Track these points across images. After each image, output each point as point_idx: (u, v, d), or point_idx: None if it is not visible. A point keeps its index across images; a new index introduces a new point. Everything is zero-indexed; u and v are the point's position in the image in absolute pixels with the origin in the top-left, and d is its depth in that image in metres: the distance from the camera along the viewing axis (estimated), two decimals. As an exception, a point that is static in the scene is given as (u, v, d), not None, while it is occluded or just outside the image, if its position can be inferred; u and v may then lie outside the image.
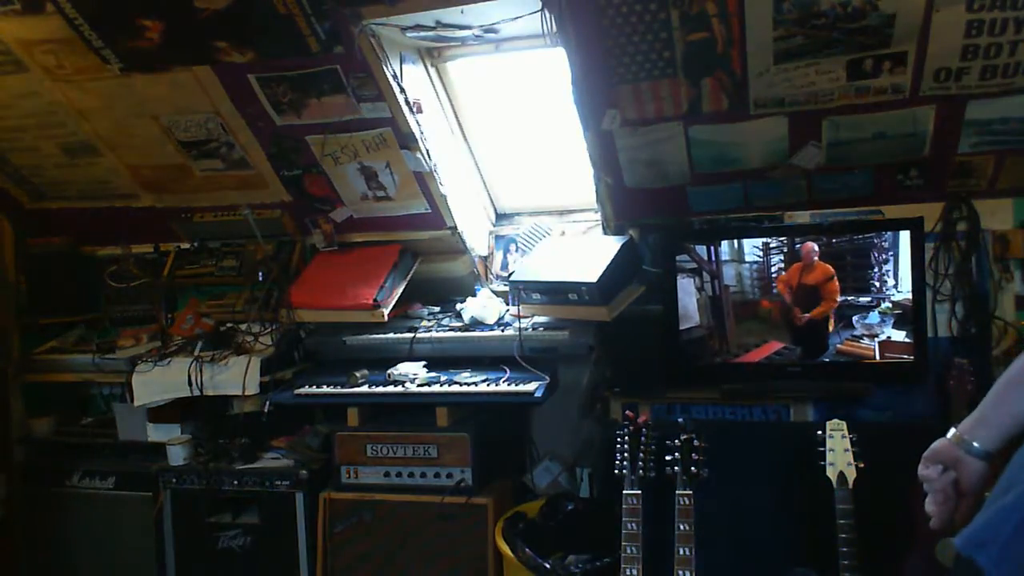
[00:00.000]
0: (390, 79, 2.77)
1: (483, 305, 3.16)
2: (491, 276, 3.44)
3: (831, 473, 2.37)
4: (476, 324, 3.13)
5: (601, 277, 2.75)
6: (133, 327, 3.64)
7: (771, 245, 2.77)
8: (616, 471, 2.53)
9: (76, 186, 3.58)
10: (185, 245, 3.66)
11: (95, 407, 3.87)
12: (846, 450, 2.38)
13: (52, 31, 2.83)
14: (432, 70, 3.12)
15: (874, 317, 2.71)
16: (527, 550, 2.63)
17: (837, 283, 2.71)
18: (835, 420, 2.44)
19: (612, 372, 3.00)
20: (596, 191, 3.00)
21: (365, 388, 3.02)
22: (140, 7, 2.70)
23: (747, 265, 2.80)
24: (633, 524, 2.43)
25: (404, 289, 3.27)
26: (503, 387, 2.86)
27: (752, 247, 2.79)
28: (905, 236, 2.65)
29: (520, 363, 2.96)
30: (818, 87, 2.48)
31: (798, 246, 2.75)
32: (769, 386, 2.80)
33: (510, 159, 3.43)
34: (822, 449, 2.40)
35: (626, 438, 2.55)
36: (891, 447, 2.56)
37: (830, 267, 2.72)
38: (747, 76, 2.48)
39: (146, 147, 3.29)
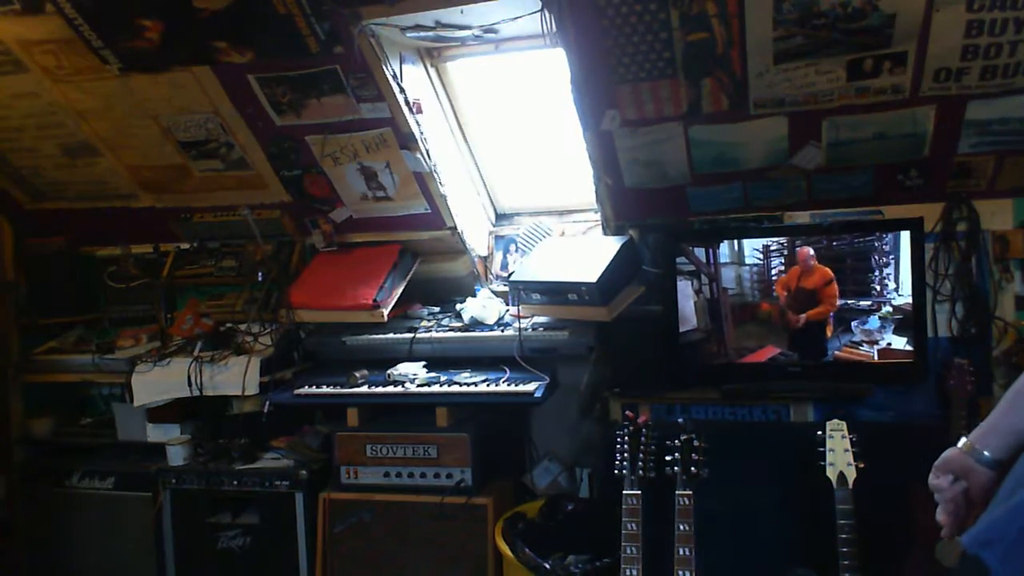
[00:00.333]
0: (390, 79, 2.77)
1: (483, 305, 3.16)
2: (491, 276, 3.44)
3: (831, 473, 2.37)
4: (476, 324, 3.13)
5: (601, 277, 2.75)
6: (133, 327, 3.64)
7: (771, 247, 2.76)
8: (616, 471, 2.53)
9: (75, 186, 3.58)
10: (185, 245, 3.66)
11: (95, 407, 3.88)
12: (846, 450, 2.38)
13: (52, 31, 2.82)
14: (432, 70, 3.12)
15: (874, 322, 2.69)
16: (527, 550, 2.63)
17: (836, 287, 2.71)
18: (835, 420, 2.44)
19: (612, 372, 3.00)
20: (596, 191, 3.00)
21: (365, 388, 3.02)
22: (140, 7, 2.70)
23: (747, 268, 2.79)
24: (633, 524, 2.43)
25: (404, 289, 3.26)
26: (503, 387, 2.86)
27: (752, 249, 2.78)
28: (906, 238, 2.64)
29: (520, 363, 2.96)
30: (818, 87, 2.48)
31: (797, 249, 2.75)
32: (769, 386, 2.79)
33: (510, 159, 3.43)
34: (822, 449, 2.40)
35: (626, 438, 2.54)
36: (891, 447, 2.58)
37: (829, 271, 2.71)
38: (747, 76, 2.48)
39: (145, 147, 3.29)
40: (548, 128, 3.24)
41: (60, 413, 3.72)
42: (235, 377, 3.12)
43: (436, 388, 2.94)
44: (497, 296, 3.29)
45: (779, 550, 2.68)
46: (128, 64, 2.92)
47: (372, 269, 3.23)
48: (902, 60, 2.37)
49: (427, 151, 3.00)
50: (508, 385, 2.87)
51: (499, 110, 3.29)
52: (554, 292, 2.91)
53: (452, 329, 3.16)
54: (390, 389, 2.98)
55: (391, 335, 3.16)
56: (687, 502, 2.40)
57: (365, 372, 3.08)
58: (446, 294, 3.43)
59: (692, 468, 2.44)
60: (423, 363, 3.08)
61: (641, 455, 2.51)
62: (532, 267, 3.05)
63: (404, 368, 3.03)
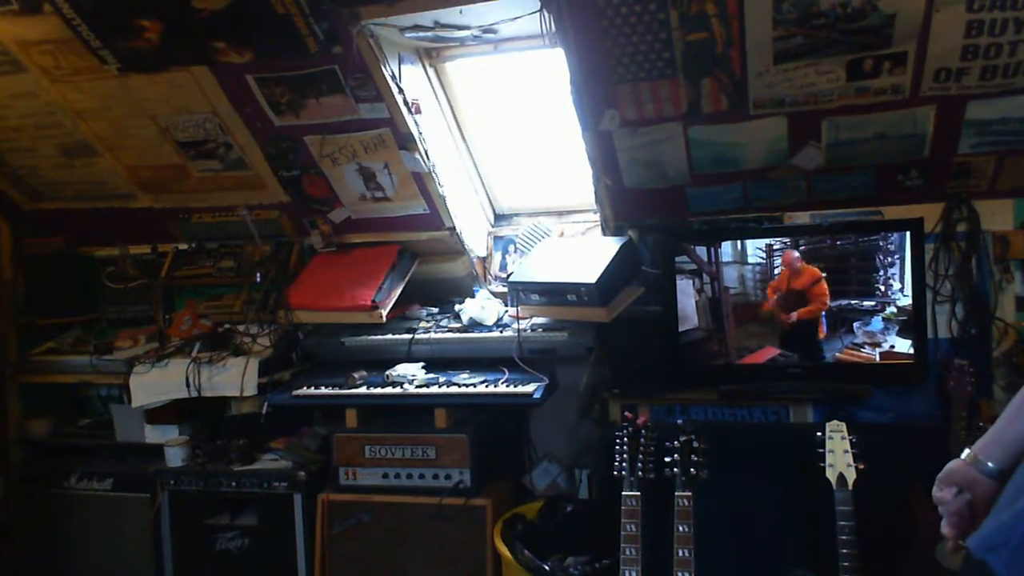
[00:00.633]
0: (388, 79, 2.77)
1: (482, 306, 3.15)
2: (490, 277, 3.43)
3: (831, 474, 2.36)
4: (475, 325, 3.13)
5: (600, 278, 2.74)
6: (131, 328, 3.64)
7: (774, 247, 2.76)
8: (615, 472, 2.52)
9: (74, 187, 3.57)
10: (183, 246, 3.65)
11: (93, 408, 3.87)
12: (846, 451, 2.38)
13: (50, 31, 2.82)
14: (431, 70, 3.11)
15: (877, 323, 2.67)
16: (526, 552, 2.63)
17: (825, 285, 2.70)
18: (835, 421, 2.44)
19: (611, 373, 2.99)
20: (595, 192, 3.00)
21: (363, 389, 3.01)
22: (138, 7, 2.69)
23: (749, 267, 2.79)
24: (632, 525, 2.42)
25: (402, 290, 3.26)
26: (502, 388, 2.86)
27: (755, 248, 2.77)
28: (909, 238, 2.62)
29: (519, 364, 2.95)
30: (818, 87, 2.47)
31: (782, 253, 2.74)
32: (769, 388, 2.79)
33: (509, 159, 3.42)
34: (822, 450, 2.40)
35: (625, 439, 2.54)
36: (891, 448, 2.57)
37: (817, 270, 2.71)
38: (747, 76, 2.47)
39: (144, 148, 3.29)
40: (548, 128, 3.24)
41: (58, 414, 3.72)
42: (233, 378, 3.11)
43: (435, 389, 2.94)
44: (496, 297, 3.29)
45: (779, 551, 2.68)
46: (126, 64, 2.91)
47: (371, 270, 3.22)
48: (902, 60, 2.37)
49: (426, 151, 2.99)
50: (507, 386, 2.86)
51: (498, 110, 3.28)
52: (553, 293, 2.91)
53: (451, 330, 3.16)
54: (389, 390, 2.97)
55: (390, 336, 3.16)
56: (686, 503, 2.40)
57: (364, 373, 3.08)
58: (445, 295, 3.43)
59: (691, 469, 2.43)
60: (422, 364, 3.07)
61: (640, 456, 2.51)
62: (531, 268, 3.05)
63: (403, 369, 3.03)
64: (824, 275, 2.70)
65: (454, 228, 3.22)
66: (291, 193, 3.32)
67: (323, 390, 3.06)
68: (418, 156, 2.98)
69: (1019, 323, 2.73)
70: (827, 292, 2.70)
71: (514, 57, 3.02)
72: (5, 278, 3.70)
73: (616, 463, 2.53)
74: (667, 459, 2.48)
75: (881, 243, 2.67)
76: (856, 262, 2.71)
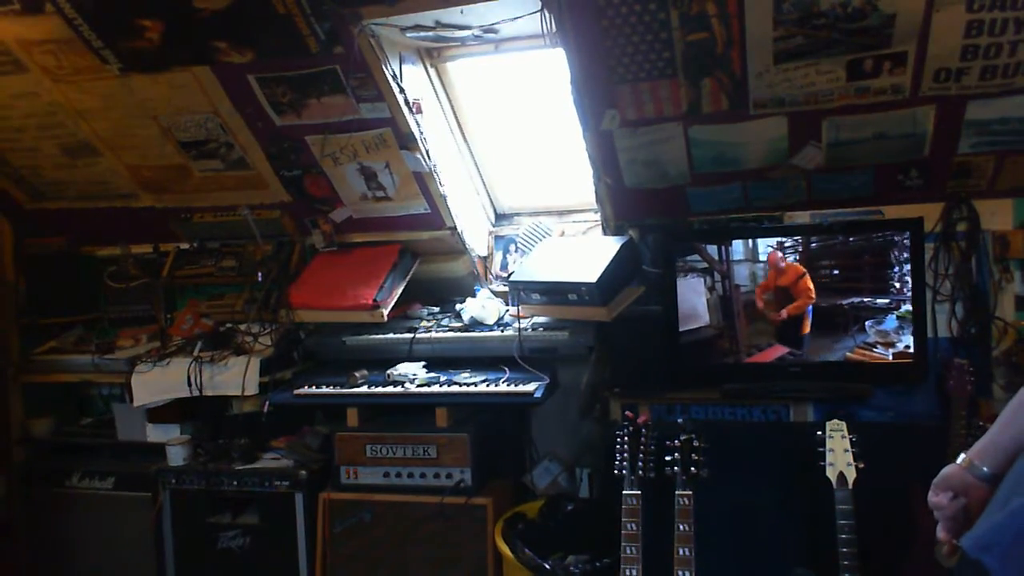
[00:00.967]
0: (390, 79, 2.77)
1: (483, 305, 3.16)
2: (491, 276, 3.44)
3: (831, 473, 2.37)
4: (476, 324, 3.13)
5: (601, 277, 2.75)
6: (132, 327, 3.65)
7: (786, 244, 2.75)
8: (615, 471, 2.53)
9: (75, 186, 3.58)
10: (184, 245, 3.66)
11: (94, 407, 3.88)
12: (846, 450, 2.38)
13: (51, 31, 2.82)
14: (432, 70, 3.12)
15: (891, 322, 2.65)
16: (526, 550, 2.63)
17: (808, 281, 2.71)
18: (835, 420, 2.44)
19: (612, 372, 3.00)
20: (596, 191, 3.00)
21: (365, 388, 3.02)
22: (140, 7, 2.70)
23: (760, 264, 2.79)
24: (632, 524, 2.43)
25: (404, 289, 3.26)
26: (502, 387, 2.86)
27: (766, 246, 2.77)
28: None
29: (520, 363, 2.96)
30: (818, 87, 2.48)
31: (767, 255, 2.75)
32: (769, 387, 2.79)
33: (510, 159, 3.43)
34: (822, 449, 2.40)
35: (625, 438, 2.54)
36: (891, 447, 2.58)
37: (800, 267, 2.72)
38: (747, 76, 2.47)
39: (145, 147, 3.29)
40: (548, 128, 3.24)
41: (60, 413, 3.72)
42: (235, 377, 3.12)
43: (436, 388, 2.94)
44: (497, 296, 3.29)
45: (779, 550, 2.68)
46: (128, 64, 2.92)
47: (372, 269, 3.23)
48: (902, 60, 2.37)
49: (427, 151, 3.00)
50: (508, 385, 2.87)
51: (499, 110, 3.29)
52: (554, 292, 2.91)
53: (452, 329, 3.16)
54: (390, 389, 2.98)
55: (391, 335, 3.16)
56: (687, 502, 2.40)
57: (365, 372, 3.08)
58: (446, 294, 3.43)
59: (692, 468, 2.44)
60: (423, 363, 3.08)
61: (641, 455, 2.51)
62: (532, 267, 3.05)
63: (404, 368, 3.03)
64: (806, 271, 2.71)
65: (455, 228, 3.23)
66: (292, 193, 3.33)
67: (324, 389, 3.06)
68: (419, 156, 2.99)
69: (1019, 322, 2.73)
70: (811, 287, 2.70)
71: (515, 57, 3.02)
72: (7, 278, 3.70)
73: (617, 462, 2.53)
74: (667, 458, 2.48)
75: (896, 238, 2.64)
76: (869, 259, 2.68)
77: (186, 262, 3.62)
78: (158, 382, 3.22)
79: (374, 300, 3.10)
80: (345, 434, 3.02)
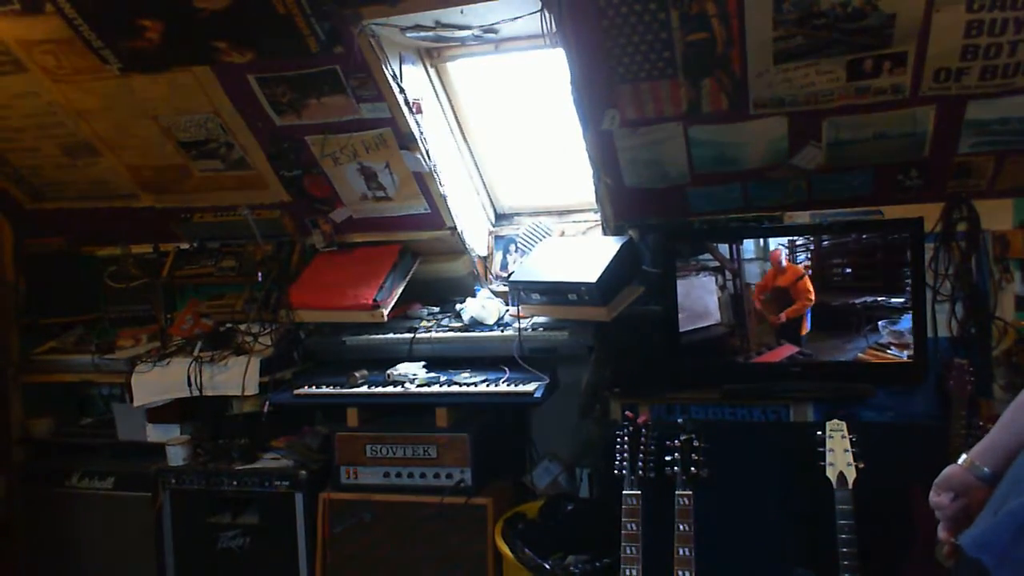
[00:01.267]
0: (390, 79, 2.77)
1: (483, 305, 3.15)
2: (491, 276, 3.44)
3: (831, 473, 2.37)
4: (476, 324, 3.13)
5: (601, 277, 2.75)
6: (132, 327, 3.64)
7: (797, 242, 2.74)
8: (616, 471, 2.53)
9: (76, 186, 3.58)
10: (185, 245, 3.66)
11: (94, 407, 3.88)
12: (846, 450, 2.38)
13: (51, 31, 2.82)
14: (432, 70, 3.12)
15: (906, 322, 2.64)
16: (526, 550, 2.63)
17: (808, 282, 2.70)
18: (835, 420, 2.44)
19: (612, 372, 3.00)
20: (596, 191, 3.00)
21: (365, 388, 3.02)
22: (139, 7, 2.70)
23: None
24: (632, 524, 2.43)
25: (404, 289, 3.26)
26: (502, 387, 2.86)
27: (778, 244, 2.76)
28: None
29: (520, 363, 2.96)
30: (818, 87, 2.48)
31: (771, 251, 2.75)
32: (770, 387, 2.79)
33: (510, 159, 3.43)
34: (822, 449, 2.41)
35: (625, 438, 2.55)
36: (891, 447, 2.58)
37: (800, 268, 2.72)
38: (747, 76, 2.47)
39: (145, 147, 3.29)
40: (548, 128, 3.24)
41: (60, 413, 3.72)
42: (235, 377, 3.12)
43: (436, 388, 2.94)
44: (497, 296, 3.29)
45: (779, 550, 2.68)
46: (128, 64, 2.92)
47: (372, 269, 3.23)
48: (902, 60, 2.37)
49: (427, 151, 3.00)
50: (508, 385, 2.87)
51: (499, 110, 3.29)
52: (554, 292, 2.91)
53: (452, 329, 3.16)
54: (390, 389, 2.98)
55: (391, 335, 3.16)
56: (687, 502, 2.40)
57: (365, 372, 3.08)
58: (446, 294, 3.43)
59: (692, 468, 2.44)
60: (423, 363, 3.08)
61: (641, 455, 2.52)
62: (532, 267, 3.05)
63: (404, 368, 3.03)
64: (808, 272, 2.71)
65: (455, 227, 3.23)
66: (293, 193, 3.33)
67: (324, 389, 3.06)
68: (419, 156, 2.99)
69: (1019, 322, 2.73)
70: (810, 289, 2.70)
71: (515, 57, 3.02)
72: (7, 278, 3.71)
73: (617, 462, 2.54)
74: (667, 458, 2.48)
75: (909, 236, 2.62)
76: (883, 256, 2.66)
77: (186, 262, 3.62)
78: (158, 382, 3.22)
79: (374, 300, 3.10)
80: (345, 434, 3.02)
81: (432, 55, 3.07)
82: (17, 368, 3.63)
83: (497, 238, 3.48)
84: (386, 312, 3.16)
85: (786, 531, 2.68)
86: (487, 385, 2.90)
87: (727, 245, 2.81)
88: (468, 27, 2.75)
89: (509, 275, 3.24)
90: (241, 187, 3.36)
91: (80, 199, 3.64)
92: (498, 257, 3.45)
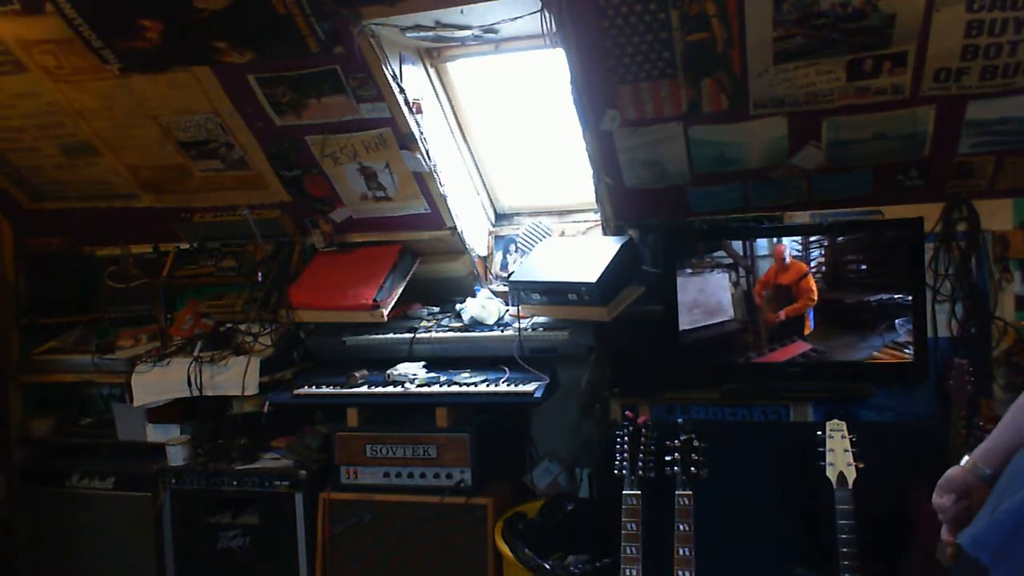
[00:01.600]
0: (390, 79, 2.77)
1: (483, 305, 3.16)
2: (491, 276, 3.44)
3: (831, 473, 2.37)
4: (476, 324, 3.13)
5: (601, 277, 2.75)
6: (132, 327, 3.64)
7: (811, 240, 2.74)
8: (616, 471, 2.53)
9: (75, 186, 3.58)
10: (184, 245, 3.66)
11: (94, 407, 3.88)
12: (846, 450, 2.38)
13: (51, 31, 2.82)
14: (432, 70, 3.12)
15: None
16: (526, 550, 2.63)
17: (811, 281, 2.70)
18: (835, 420, 2.44)
19: (612, 372, 3.00)
20: (596, 191, 3.00)
21: (365, 388, 3.02)
22: (139, 7, 2.70)
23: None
24: (632, 524, 2.43)
25: (404, 289, 3.26)
26: (502, 387, 2.86)
27: (791, 242, 2.76)
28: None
29: (520, 363, 2.96)
30: (818, 87, 2.48)
31: (775, 246, 2.74)
32: (770, 387, 2.79)
33: (510, 159, 3.43)
34: (822, 449, 2.40)
35: (625, 438, 2.54)
36: (891, 447, 2.58)
37: (804, 266, 2.72)
38: (747, 76, 2.48)
39: (145, 147, 3.29)
40: (548, 128, 3.24)
41: (60, 413, 3.72)
42: (235, 377, 3.12)
43: (436, 388, 2.94)
44: (497, 296, 3.29)
45: (779, 550, 2.68)
46: (128, 64, 2.92)
47: (372, 269, 3.23)
48: (902, 60, 2.37)
49: (427, 151, 3.00)
50: (508, 385, 2.87)
51: (499, 110, 3.29)
52: (554, 292, 2.91)
53: (452, 329, 3.16)
54: (390, 389, 2.98)
55: (391, 335, 3.16)
56: (687, 502, 2.40)
57: (365, 372, 3.08)
58: (446, 294, 3.43)
59: (692, 468, 2.44)
60: (423, 363, 3.08)
61: (641, 455, 2.51)
62: (532, 267, 3.05)
63: (404, 368, 3.03)
64: (811, 270, 2.70)
65: (455, 227, 3.23)
66: (292, 193, 3.33)
67: (324, 389, 3.06)
68: (419, 156, 2.99)
69: (1019, 322, 2.73)
70: (814, 288, 2.70)
71: (515, 57, 3.02)
72: (7, 278, 3.71)
73: (617, 462, 2.53)
74: (667, 458, 2.48)
75: None
76: (892, 256, 2.64)
77: (186, 262, 3.62)
78: (158, 382, 3.22)
79: (374, 300, 3.10)
80: (345, 434, 3.02)
81: (432, 55, 3.07)
82: (17, 368, 3.63)
83: (497, 238, 3.49)
84: (386, 312, 3.16)
85: (786, 531, 2.68)
86: (487, 385, 2.90)
87: (740, 242, 2.81)
88: (468, 27, 2.75)
89: (509, 275, 3.24)
90: (241, 187, 3.36)
91: (80, 199, 3.64)
92: (498, 257, 3.45)
